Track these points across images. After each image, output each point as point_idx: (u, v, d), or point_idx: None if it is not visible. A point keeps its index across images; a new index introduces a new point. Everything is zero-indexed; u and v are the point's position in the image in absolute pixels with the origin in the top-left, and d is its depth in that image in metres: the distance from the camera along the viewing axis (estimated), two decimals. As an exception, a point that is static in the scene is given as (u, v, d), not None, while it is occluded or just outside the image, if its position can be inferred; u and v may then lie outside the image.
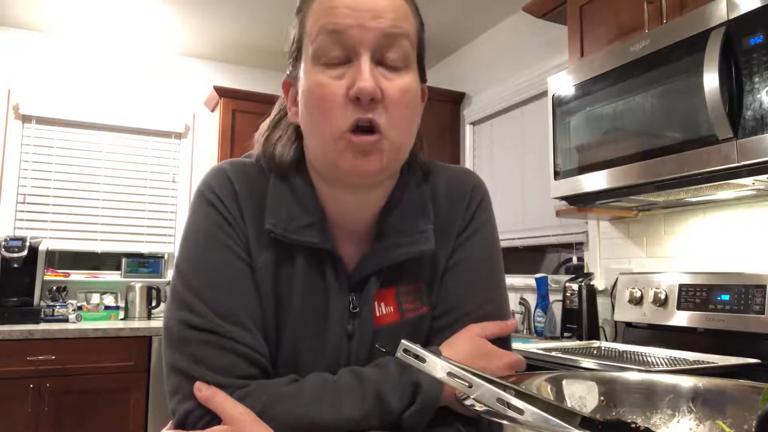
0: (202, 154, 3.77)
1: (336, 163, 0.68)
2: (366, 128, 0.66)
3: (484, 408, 0.48)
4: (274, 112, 0.82)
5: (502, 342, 0.75)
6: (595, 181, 1.90)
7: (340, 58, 0.66)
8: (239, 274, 0.71)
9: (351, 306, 0.74)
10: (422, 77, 0.75)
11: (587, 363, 1.62)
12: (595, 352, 1.94)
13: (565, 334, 2.30)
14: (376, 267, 0.74)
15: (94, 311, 3.22)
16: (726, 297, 1.80)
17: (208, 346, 0.66)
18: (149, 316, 3.31)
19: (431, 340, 0.76)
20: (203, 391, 0.64)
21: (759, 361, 1.59)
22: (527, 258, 3.07)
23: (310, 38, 0.68)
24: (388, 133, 0.67)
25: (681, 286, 1.95)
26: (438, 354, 0.54)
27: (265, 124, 0.82)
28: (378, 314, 0.75)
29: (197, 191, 0.75)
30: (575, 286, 2.28)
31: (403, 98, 0.68)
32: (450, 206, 0.80)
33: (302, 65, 0.70)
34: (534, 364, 1.68)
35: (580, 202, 2.08)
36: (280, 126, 0.79)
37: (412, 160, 0.78)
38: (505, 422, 0.45)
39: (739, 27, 1.49)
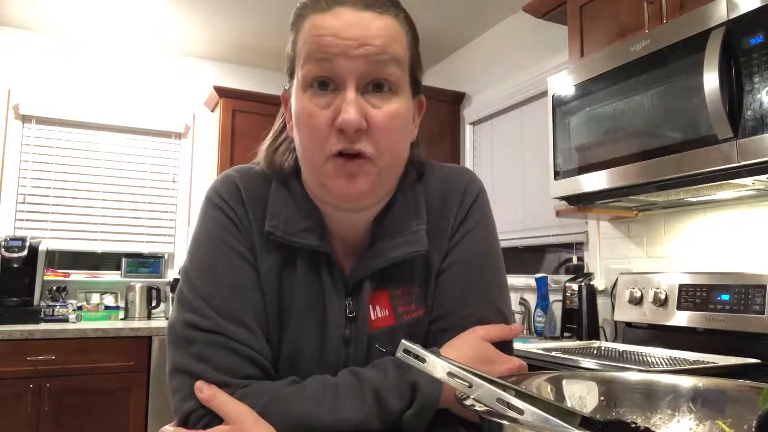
0: (202, 154, 3.77)
1: (325, 185, 0.69)
2: (353, 154, 0.67)
3: (484, 408, 0.48)
4: (277, 121, 0.82)
5: (504, 346, 0.74)
6: (595, 181, 1.90)
7: (326, 86, 0.66)
8: (245, 276, 0.71)
9: (348, 310, 0.74)
10: (417, 90, 0.75)
11: (587, 363, 1.62)
12: (595, 352, 1.94)
13: (565, 334, 2.30)
14: (369, 270, 0.74)
15: (94, 311, 3.22)
16: (726, 297, 1.80)
17: (212, 347, 0.67)
18: (149, 316, 3.31)
19: (430, 343, 0.75)
20: (204, 391, 0.65)
21: (759, 361, 1.59)
22: (527, 258, 3.07)
23: (299, 62, 0.69)
24: (376, 159, 0.67)
25: (681, 286, 1.95)
26: (438, 354, 0.54)
27: (269, 134, 0.82)
28: (373, 318, 0.75)
29: (205, 197, 0.77)
30: (575, 286, 2.28)
31: (391, 124, 0.68)
32: (443, 205, 0.79)
33: (294, 85, 0.71)
34: (534, 364, 1.68)
35: (580, 202, 2.08)
36: (282, 135, 0.80)
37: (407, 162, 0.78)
38: (505, 422, 0.45)
39: (739, 27, 1.49)
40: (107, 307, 3.27)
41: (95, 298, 3.34)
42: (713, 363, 1.59)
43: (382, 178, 0.70)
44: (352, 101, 0.65)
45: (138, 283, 3.32)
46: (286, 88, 0.75)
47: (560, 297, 2.41)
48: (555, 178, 2.07)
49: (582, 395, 0.59)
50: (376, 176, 0.69)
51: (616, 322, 2.24)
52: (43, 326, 2.82)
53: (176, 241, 3.68)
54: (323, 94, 0.66)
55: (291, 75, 0.73)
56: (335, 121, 0.65)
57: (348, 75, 0.65)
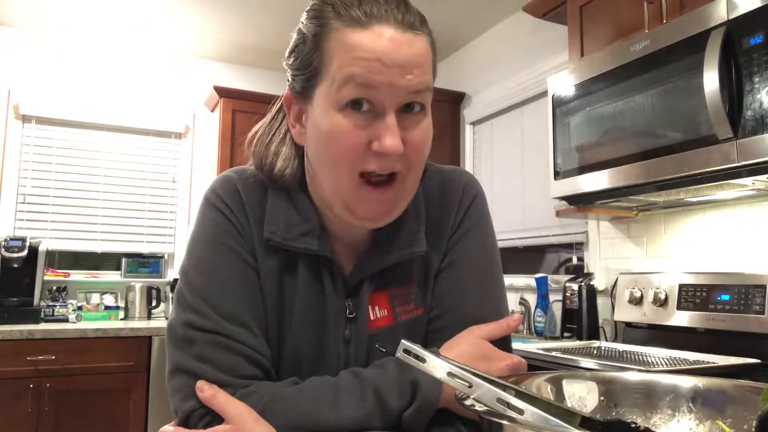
0: (202, 154, 3.77)
1: (352, 208, 0.68)
2: (383, 176, 0.66)
3: (484, 408, 0.48)
4: (268, 118, 0.80)
5: (503, 343, 0.74)
6: (595, 181, 1.90)
7: (360, 105, 0.65)
8: (245, 277, 0.72)
9: (348, 311, 0.74)
10: None
11: (587, 363, 1.62)
12: (595, 352, 1.94)
13: (565, 334, 2.30)
14: (369, 271, 0.75)
15: (94, 311, 3.22)
16: (726, 297, 1.80)
17: (212, 347, 0.67)
18: (149, 316, 3.31)
19: (429, 342, 0.76)
20: (205, 390, 0.65)
21: (759, 361, 1.59)
22: (527, 258, 3.07)
23: (332, 79, 0.65)
24: (405, 178, 0.68)
25: (681, 286, 1.95)
26: (438, 354, 0.55)
27: (259, 131, 0.79)
28: (372, 318, 0.75)
29: (204, 198, 0.76)
30: (575, 286, 2.28)
31: (424, 143, 0.69)
32: (442, 206, 0.80)
33: (318, 98, 0.67)
34: (534, 364, 1.68)
35: (580, 202, 2.08)
36: (277, 135, 0.78)
37: None
38: (505, 422, 0.45)
39: (738, 27, 1.49)
40: (107, 307, 3.27)
41: (95, 298, 3.34)
42: (713, 363, 1.59)
43: (408, 193, 0.71)
44: (394, 127, 0.64)
45: (138, 283, 3.32)
46: (294, 86, 0.71)
47: (560, 297, 2.41)
48: (555, 178, 2.07)
49: (582, 395, 0.59)
50: (403, 194, 0.69)
51: (616, 322, 2.24)
52: (43, 326, 2.82)
53: (176, 241, 3.68)
54: (358, 112, 0.65)
55: (309, 80, 0.68)
56: (372, 143, 0.64)
57: (389, 104, 0.64)
